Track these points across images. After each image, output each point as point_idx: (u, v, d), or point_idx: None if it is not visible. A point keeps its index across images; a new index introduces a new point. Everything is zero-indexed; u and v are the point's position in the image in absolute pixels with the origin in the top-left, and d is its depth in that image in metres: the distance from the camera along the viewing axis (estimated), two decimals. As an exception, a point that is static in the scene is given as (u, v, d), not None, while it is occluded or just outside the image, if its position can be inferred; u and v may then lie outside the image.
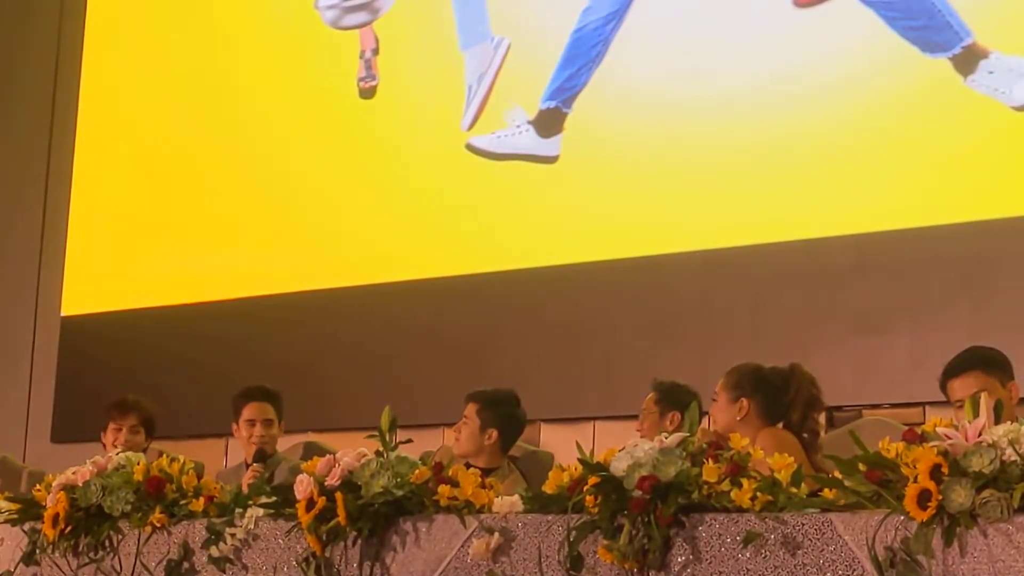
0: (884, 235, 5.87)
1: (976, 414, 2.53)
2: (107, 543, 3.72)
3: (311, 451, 5.15)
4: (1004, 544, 2.41)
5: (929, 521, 2.47)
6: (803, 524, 2.64)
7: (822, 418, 4.73)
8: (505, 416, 4.99)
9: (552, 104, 6.87)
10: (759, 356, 4.84)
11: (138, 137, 8.35)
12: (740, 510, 2.71)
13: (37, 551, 3.82)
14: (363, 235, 7.33)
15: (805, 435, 4.27)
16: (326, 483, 3.28)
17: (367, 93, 7.51)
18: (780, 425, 4.32)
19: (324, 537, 3.26)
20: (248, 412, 5.33)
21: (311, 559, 3.29)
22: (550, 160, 6.84)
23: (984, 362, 4.06)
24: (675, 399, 4.90)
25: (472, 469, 3.36)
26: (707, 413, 4.46)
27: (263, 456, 5.18)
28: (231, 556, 3.47)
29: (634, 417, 5.12)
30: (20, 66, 9.06)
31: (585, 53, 6.79)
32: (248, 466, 5.22)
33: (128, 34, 8.59)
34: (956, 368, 4.05)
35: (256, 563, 3.42)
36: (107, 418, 5.66)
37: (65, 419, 8.14)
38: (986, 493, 2.42)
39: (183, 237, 8.00)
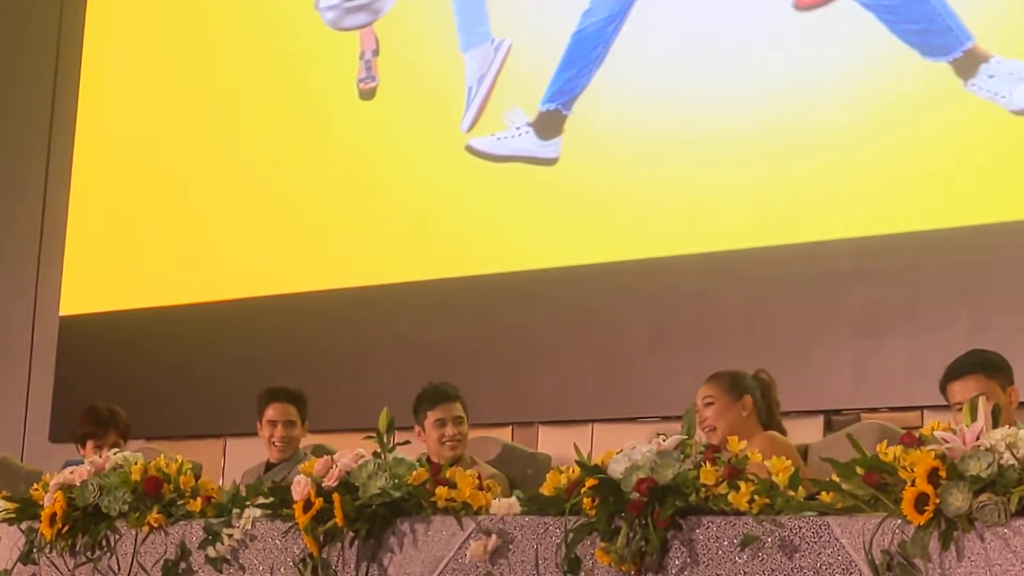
0: (883, 239, 5.86)
1: (974, 418, 2.53)
2: (104, 543, 3.72)
3: (319, 455, 5.15)
4: (1001, 548, 2.41)
5: (926, 525, 2.47)
6: (800, 527, 2.64)
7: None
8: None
9: (552, 106, 6.87)
10: (758, 359, 4.84)
11: (137, 137, 8.34)
12: (737, 513, 2.72)
13: (34, 550, 3.83)
14: (362, 236, 7.32)
15: None
16: (323, 484, 3.28)
17: (367, 94, 7.50)
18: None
19: (321, 538, 3.26)
20: (271, 413, 5.35)
21: (308, 560, 3.29)
22: (550, 163, 6.83)
23: (984, 366, 4.05)
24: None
25: (470, 471, 3.36)
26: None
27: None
28: (228, 556, 3.48)
29: (632, 419, 5.10)
30: (20, 66, 9.06)
31: (585, 55, 6.78)
32: (268, 466, 5.30)
33: (128, 34, 8.58)
34: (956, 371, 4.05)
35: (253, 564, 3.42)
36: (83, 433, 5.39)
37: (63, 419, 8.10)
38: (983, 497, 2.42)
39: (182, 237, 7.99)
